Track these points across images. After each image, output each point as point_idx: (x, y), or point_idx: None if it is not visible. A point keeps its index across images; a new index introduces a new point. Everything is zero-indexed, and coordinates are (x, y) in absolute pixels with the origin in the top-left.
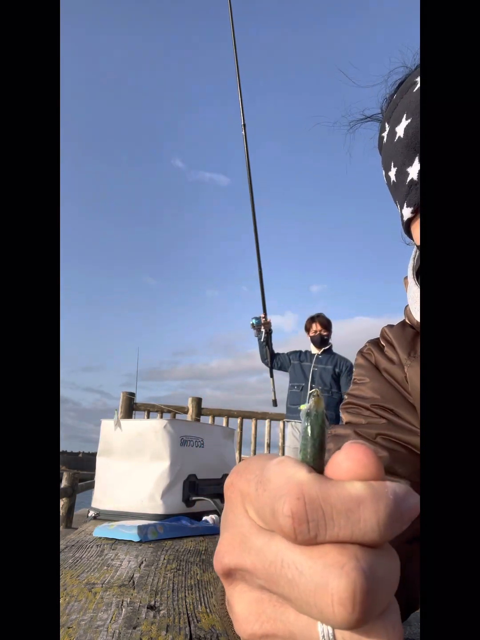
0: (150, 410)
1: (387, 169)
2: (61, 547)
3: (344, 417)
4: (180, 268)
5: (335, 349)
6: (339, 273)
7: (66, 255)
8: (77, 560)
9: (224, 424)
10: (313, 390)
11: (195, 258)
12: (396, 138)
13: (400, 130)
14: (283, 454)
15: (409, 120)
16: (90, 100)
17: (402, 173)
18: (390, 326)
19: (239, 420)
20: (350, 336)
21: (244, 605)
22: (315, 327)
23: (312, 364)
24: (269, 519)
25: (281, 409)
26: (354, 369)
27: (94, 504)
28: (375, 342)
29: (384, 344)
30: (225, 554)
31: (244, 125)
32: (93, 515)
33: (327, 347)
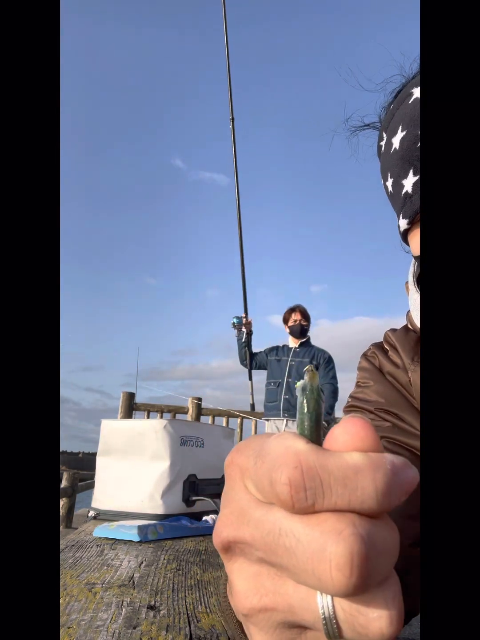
0: (150, 410)
1: (385, 179)
2: (61, 547)
3: None
4: (180, 268)
5: (338, 350)
6: (339, 273)
7: (66, 255)
8: (77, 560)
9: (224, 424)
10: (307, 366)
11: (195, 258)
12: (392, 149)
13: (396, 142)
14: None
15: (404, 133)
16: (91, 99)
17: (397, 185)
18: (393, 330)
19: (239, 420)
20: (351, 336)
21: (243, 579)
22: (295, 316)
23: (289, 358)
24: (267, 489)
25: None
26: (357, 372)
27: (94, 504)
28: (379, 346)
29: (387, 348)
30: (224, 528)
31: (232, 119)
32: (93, 515)
33: (305, 339)
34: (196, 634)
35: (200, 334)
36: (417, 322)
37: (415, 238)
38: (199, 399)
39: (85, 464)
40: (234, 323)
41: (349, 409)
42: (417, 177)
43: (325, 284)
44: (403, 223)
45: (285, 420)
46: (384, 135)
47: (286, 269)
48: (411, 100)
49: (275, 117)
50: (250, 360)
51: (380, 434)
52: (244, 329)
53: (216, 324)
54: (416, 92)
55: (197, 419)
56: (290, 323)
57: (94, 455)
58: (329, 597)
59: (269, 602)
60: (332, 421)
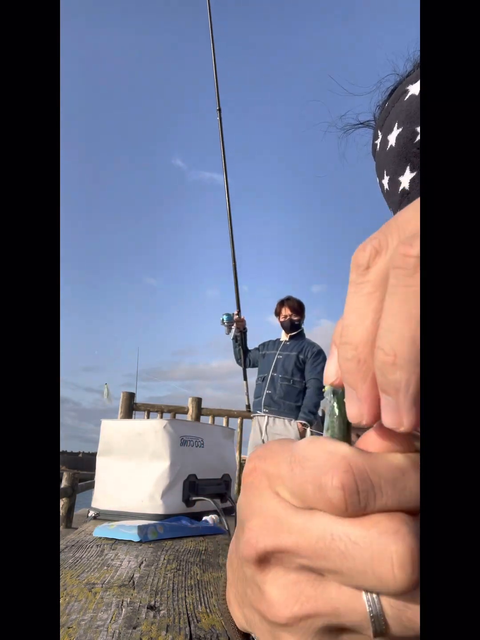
0: (150, 410)
1: (381, 177)
2: (61, 547)
3: None
4: (180, 268)
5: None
6: (340, 273)
7: (67, 255)
8: (77, 560)
9: (224, 424)
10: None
11: (195, 258)
12: (388, 147)
13: (392, 139)
14: (246, 451)
15: (400, 130)
16: (90, 99)
17: (394, 182)
18: None
19: (239, 420)
20: None
21: (280, 588)
22: (285, 311)
23: (277, 352)
24: (311, 495)
25: None
26: None
27: (94, 504)
28: None
29: None
30: (260, 538)
31: (219, 109)
32: (93, 515)
33: (296, 332)
34: (196, 634)
35: (201, 334)
36: None
37: None
38: (199, 399)
39: (85, 464)
40: (223, 320)
41: None
42: (414, 174)
43: (326, 283)
44: None
45: (266, 417)
46: (379, 133)
47: (287, 268)
48: (407, 97)
49: (280, 118)
50: (245, 358)
51: None
52: (234, 327)
53: (217, 324)
54: (412, 89)
55: (197, 419)
56: (281, 319)
57: (94, 455)
58: (375, 595)
59: (310, 608)
60: (316, 420)
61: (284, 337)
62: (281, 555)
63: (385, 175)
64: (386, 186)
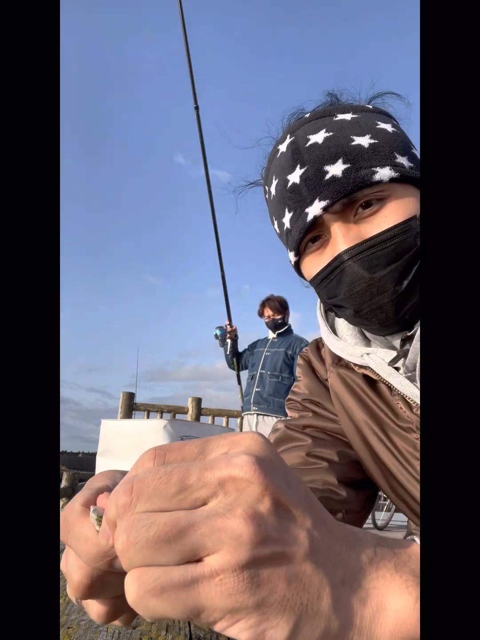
0: (150, 410)
1: (272, 224)
2: (61, 547)
3: (288, 411)
4: (180, 267)
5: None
6: None
7: (70, 255)
8: None
9: (224, 424)
10: None
11: (195, 257)
12: (272, 197)
13: (273, 190)
14: None
15: (277, 180)
16: (89, 96)
17: (280, 225)
18: None
19: (239, 420)
20: None
21: None
22: (267, 312)
23: (265, 349)
24: None
25: None
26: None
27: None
28: (315, 342)
29: (321, 346)
30: None
31: (197, 107)
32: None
33: (283, 330)
34: (196, 634)
35: (204, 334)
36: (329, 346)
37: (306, 266)
38: (199, 399)
39: (85, 464)
40: (216, 335)
41: (288, 402)
42: (291, 213)
43: None
44: (291, 256)
45: (255, 416)
46: (266, 188)
47: (287, 267)
48: (279, 154)
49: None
50: (238, 363)
51: (304, 423)
52: (228, 338)
53: (219, 324)
54: (281, 148)
55: (197, 419)
56: (265, 319)
57: (94, 455)
58: None
59: None
60: None
61: (271, 335)
62: None
63: (274, 220)
64: (277, 230)
